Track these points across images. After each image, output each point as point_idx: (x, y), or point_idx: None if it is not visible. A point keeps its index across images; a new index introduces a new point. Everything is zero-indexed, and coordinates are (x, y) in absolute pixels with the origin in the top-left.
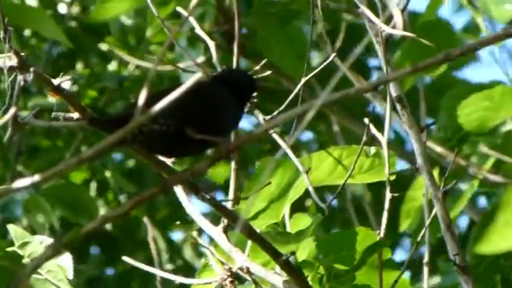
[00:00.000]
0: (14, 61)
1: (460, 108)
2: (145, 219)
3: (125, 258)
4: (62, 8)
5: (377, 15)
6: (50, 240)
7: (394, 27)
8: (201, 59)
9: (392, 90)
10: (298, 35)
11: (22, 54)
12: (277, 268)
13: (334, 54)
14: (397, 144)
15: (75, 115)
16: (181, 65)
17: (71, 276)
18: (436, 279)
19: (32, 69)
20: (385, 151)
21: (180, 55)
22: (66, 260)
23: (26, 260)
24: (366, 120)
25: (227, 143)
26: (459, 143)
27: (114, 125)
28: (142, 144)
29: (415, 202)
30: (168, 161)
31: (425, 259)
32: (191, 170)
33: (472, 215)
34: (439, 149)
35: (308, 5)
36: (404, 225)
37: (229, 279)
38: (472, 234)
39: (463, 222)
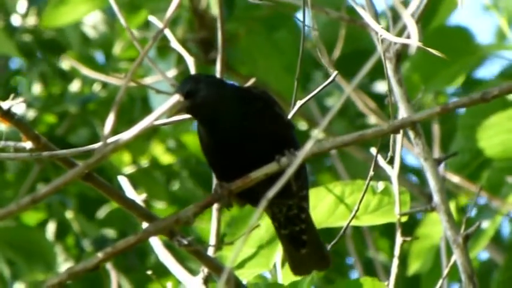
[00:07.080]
0: None
1: (481, 129)
2: (109, 266)
3: None
4: (15, 20)
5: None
6: None
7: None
8: (172, 72)
9: (404, 112)
10: (286, 43)
11: None
12: None
13: (335, 73)
14: (403, 174)
15: (28, 145)
16: (149, 79)
17: None
18: None
19: None
20: (395, 187)
21: (148, 68)
22: None
23: None
24: (373, 149)
25: (221, 187)
26: (478, 170)
27: None
28: None
29: (427, 240)
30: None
31: None
32: (175, 217)
33: (492, 252)
34: (455, 178)
35: (299, 9)
36: (413, 267)
37: None
38: (496, 279)
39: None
